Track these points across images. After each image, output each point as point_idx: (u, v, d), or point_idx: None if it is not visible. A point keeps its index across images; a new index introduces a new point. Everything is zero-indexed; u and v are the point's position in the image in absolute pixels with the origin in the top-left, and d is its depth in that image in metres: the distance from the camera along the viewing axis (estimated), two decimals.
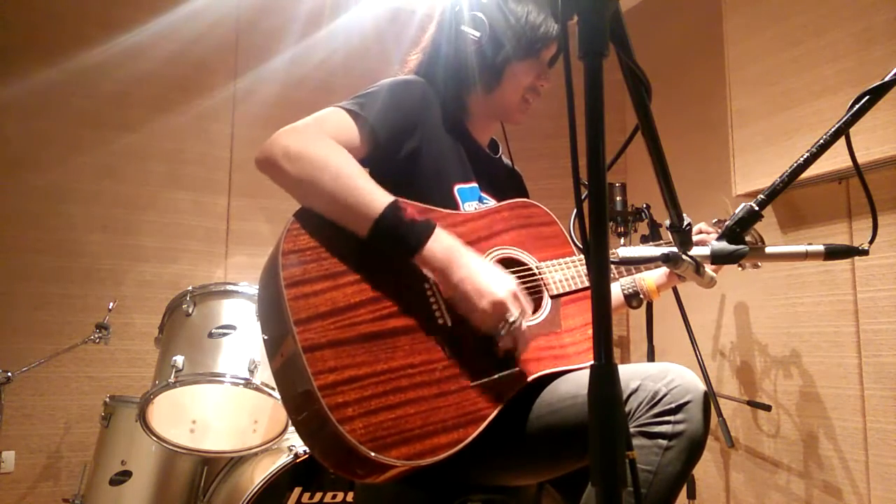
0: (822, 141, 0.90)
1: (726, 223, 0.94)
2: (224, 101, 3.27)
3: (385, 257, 1.14)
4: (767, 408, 2.52)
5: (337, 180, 1.12)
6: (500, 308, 1.11)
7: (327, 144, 1.16)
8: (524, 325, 1.14)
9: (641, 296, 1.50)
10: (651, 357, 2.59)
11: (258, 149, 1.17)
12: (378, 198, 1.12)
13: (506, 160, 1.56)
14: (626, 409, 1.06)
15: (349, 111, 1.23)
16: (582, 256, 1.31)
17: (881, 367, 2.23)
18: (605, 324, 0.64)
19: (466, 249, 1.14)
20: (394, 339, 1.09)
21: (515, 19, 1.33)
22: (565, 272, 1.29)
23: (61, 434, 2.83)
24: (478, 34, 1.35)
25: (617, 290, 1.50)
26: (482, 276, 1.12)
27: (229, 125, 3.28)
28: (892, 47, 2.06)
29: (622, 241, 2.54)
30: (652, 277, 1.49)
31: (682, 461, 1.04)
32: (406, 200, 1.17)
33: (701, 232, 1.52)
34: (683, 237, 0.94)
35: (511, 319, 1.11)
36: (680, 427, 1.04)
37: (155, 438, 2.14)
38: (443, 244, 1.13)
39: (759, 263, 1.72)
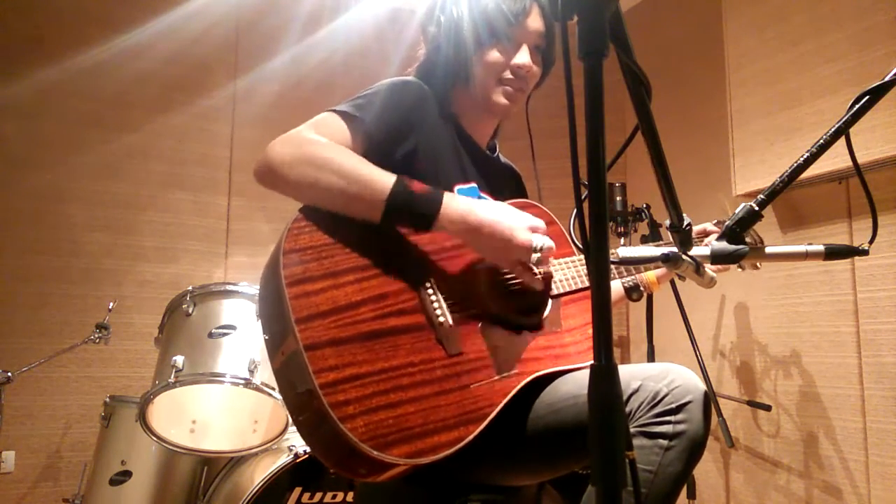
0: (822, 141, 0.90)
1: (726, 223, 0.94)
2: (224, 101, 3.27)
3: (386, 256, 1.15)
4: (767, 408, 2.52)
5: (340, 174, 1.12)
6: (526, 245, 1.16)
7: (323, 144, 1.16)
8: (546, 245, 1.18)
9: (642, 288, 1.50)
10: (651, 357, 2.59)
11: (255, 162, 1.17)
12: (383, 179, 1.13)
13: (503, 159, 1.56)
14: (627, 409, 1.07)
15: (344, 115, 1.23)
16: (582, 256, 1.31)
17: (881, 367, 2.23)
18: (606, 324, 0.64)
19: (478, 204, 1.17)
20: (394, 338, 1.09)
21: (477, 8, 1.34)
22: (565, 272, 1.29)
23: (61, 434, 2.83)
24: (436, 30, 1.38)
25: (617, 284, 1.50)
26: (502, 225, 1.16)
27: (229, 125, 3.28)
28: (892, 47, 2.06)
29: (622, 241, 2.55)
30: (652, 269, 1.48)
31: (683, 461, 1.04)
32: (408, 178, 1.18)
33: (705, 232, 1.52)
34: (683, 237, 0.94)
35: (538, 246, 1.16)
36: (680, 427, 1.04)
37: (155, 438, 2.14)
38: (458, 207, 1.15)
39: (759, 264, 1.72)
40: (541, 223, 1.22)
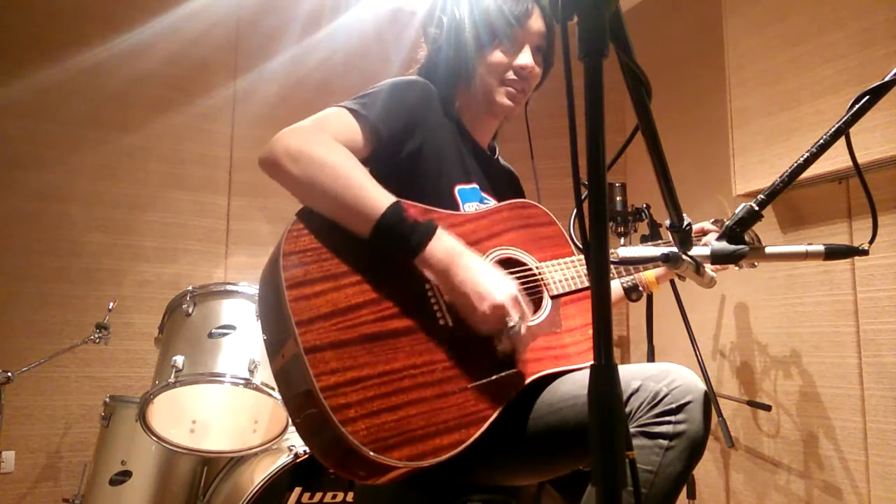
0: (822, 141, 0.90)
1: (726, 223, 0.94)
2: (224, 101, 3.27)
3: (386, 258, 1.14)
4: (767, 408, 2.52)
5: (338, 180, 1.11)
6: (499, 311, 1.11)
7: (329, 144, 1.16)
8: (523, 328, 1.14)
9: (641, 288, 1.50)
10: (651, 357, 2.58)
11: (261, 149, 1.17)
12: (380, 198, 1.12)
13: (503, 161, 1.56)
14: (627, 409, 1.06)
15: (352, 110, 1.23)
16: (581, 256, 1.31)
17: (881, 367, 2.23)
18: (606, 324, 0.64)
19: (468, 252, 1.14)
20: (395, 340, 1.09)
21: (479, 9, 1.34)
22: (565, 272, 1.29)
23: (61, 434, 2.83)
24: (438, 31, 1.38)
25: (616, 285, 1.50)
26: (482, 278, 1.11)
27: (229, 125, 3.28)
28: (892, 47, 2.06)
29: (622, 241, 2.54)
30: (651, 269, 1.48)
31: (683, 461, 1.04)
32: (408, 202, 1.17)
33: (703, 231, 1.52)
34: (683, 237, 0.94)
35: (510, 324, 1.11)
36: (681, 427, 1.04)
37: (155, 438, 2.14)
38: (444, 246, 1.12)
39: (756, 262, 1.72)
40: (523, 304, 1.14)
